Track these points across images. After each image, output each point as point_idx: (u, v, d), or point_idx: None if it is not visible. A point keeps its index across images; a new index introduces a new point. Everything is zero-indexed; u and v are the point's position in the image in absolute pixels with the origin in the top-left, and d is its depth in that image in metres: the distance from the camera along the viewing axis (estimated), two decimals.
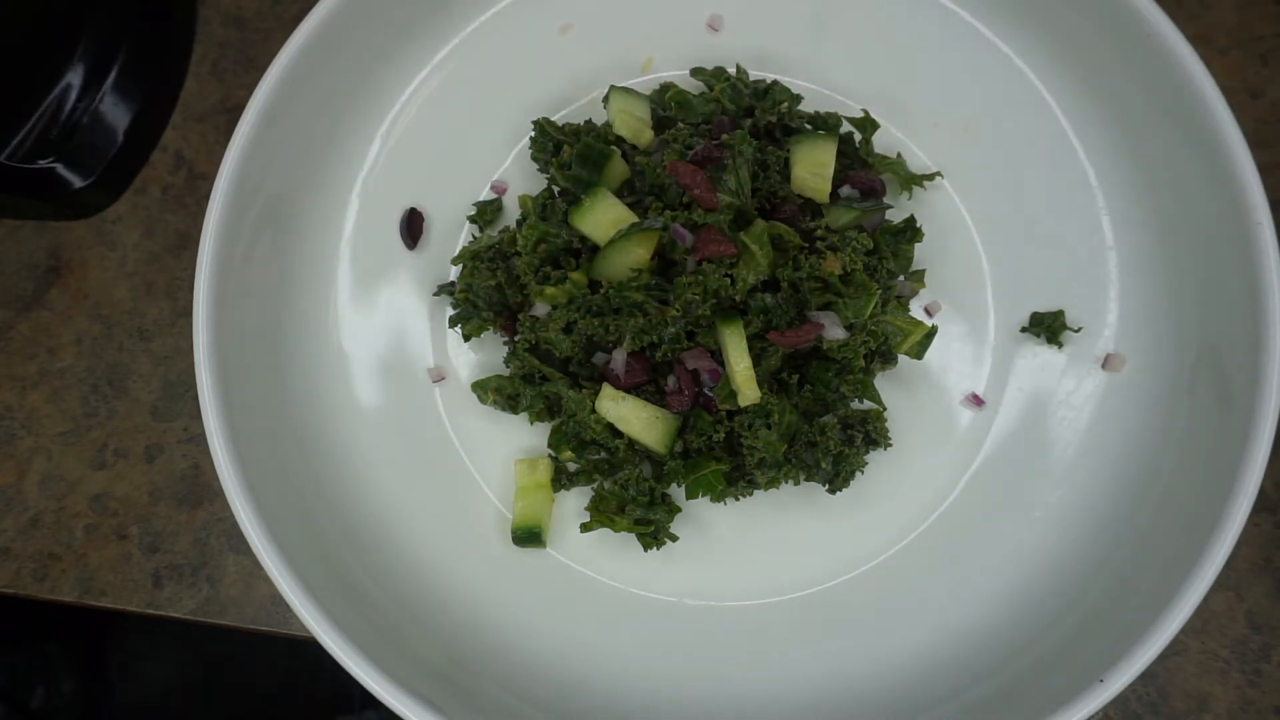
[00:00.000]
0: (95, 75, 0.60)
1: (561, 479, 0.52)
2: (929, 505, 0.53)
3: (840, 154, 0.52)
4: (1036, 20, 0.54)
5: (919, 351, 0.51)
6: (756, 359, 0.48)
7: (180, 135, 0.62)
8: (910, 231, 0.52)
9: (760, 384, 0.48)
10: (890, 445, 0.51)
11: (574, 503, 0.53)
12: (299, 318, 0.53)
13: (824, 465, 0.50)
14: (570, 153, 0.51)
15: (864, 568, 0.52)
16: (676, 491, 0.53)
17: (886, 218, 0.53)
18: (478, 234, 0.56)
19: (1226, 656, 0.54)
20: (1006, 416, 0.54)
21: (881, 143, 0.55)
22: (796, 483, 0.51)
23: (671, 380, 0.49)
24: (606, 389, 0.48)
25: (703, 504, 0.53)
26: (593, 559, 0.53)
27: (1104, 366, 0.53)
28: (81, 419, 0.59)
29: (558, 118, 0.56)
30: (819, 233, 0.49)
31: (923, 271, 0.54)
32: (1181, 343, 0.51)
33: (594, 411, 0.49)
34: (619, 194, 0.51)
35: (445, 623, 0.50)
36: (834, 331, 0.48)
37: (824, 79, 0.57)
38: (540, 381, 0.52)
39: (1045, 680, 0.46)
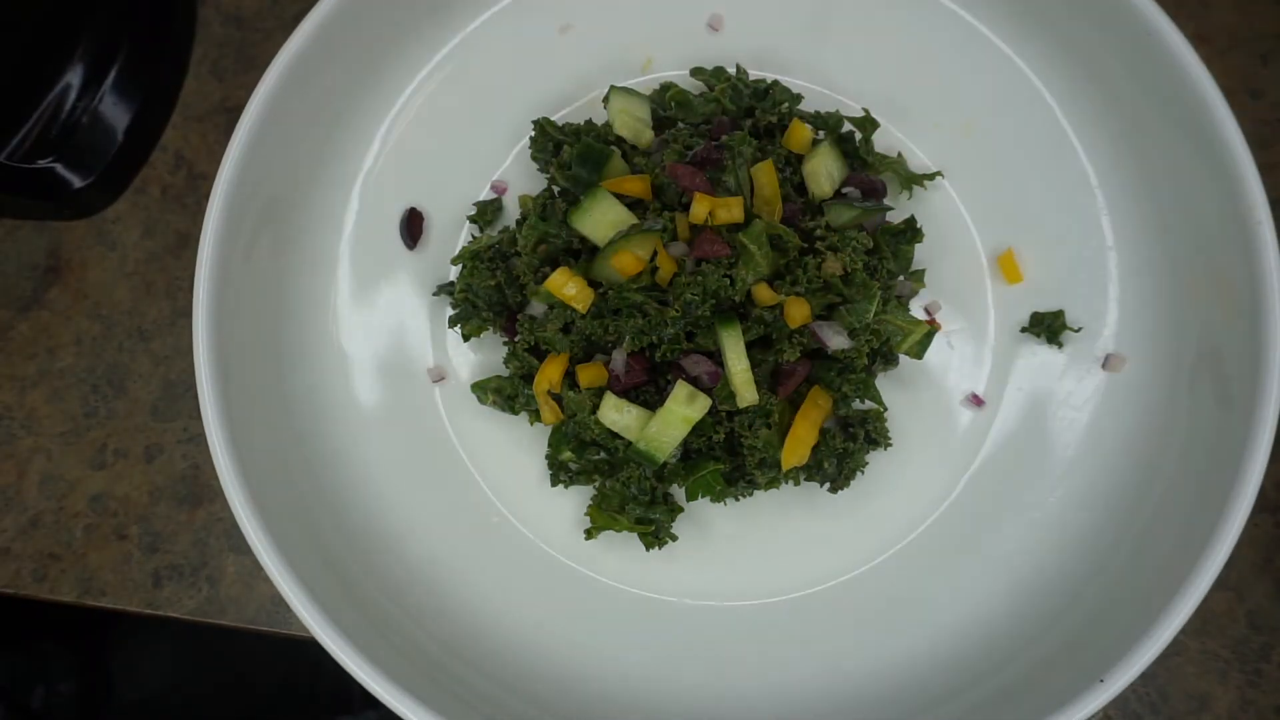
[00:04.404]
0: (95, 75, 0.60)
1: (561, 477, 0.52)
2: (929, 505, 0.53)
3: (841, 154, 0.52)
4: (1037, 20, 0.54)
5: (919, 351, 0.51)
6: (756, 360, 0.48)
7: (180, 135, 0.62)
8: (910, 231, 0.52)
9: (759, 385, 0.48)
10: (890, 445, 0.51)
11: (575, 502, 0.53)
12: (299, 318, 0.53)
13: (825, 465, 0.50)
14: (570, 153, 0.51)
15: (864, 568, 0.52)
16: (678, 491, 0.53)
17: (887, 218, 0.53)
18: (478, 234, 0.56)
19: (1226, 656, 0.54)
20: (1006, 416, 0.54)
21: (881, 142, 0.55)
22: (797, 483, 0.51)
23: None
24: (609, 398, 0.48)
25: (703, 504, 0.53)
26: (594, 559, 0.53)
27: (1104, 366, 0.53)
28: (81, 419, 0.59)
29: (558, 118, 0.56)
30: (819, 232, 0.49)
31: (923, 271, 0.54)
32: (1181, 343, 0.51)
33: (594, 412, 0.49)
34: (618, 194, 0.51)
35: (445, 623, 0.50)
36: (837, 340, 0.48)
37: (824, 79, 0.57)
38: None
39: (1045, 680, 0.46)
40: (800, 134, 0.52)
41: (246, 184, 0.49)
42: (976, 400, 0.54)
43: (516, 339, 0.52)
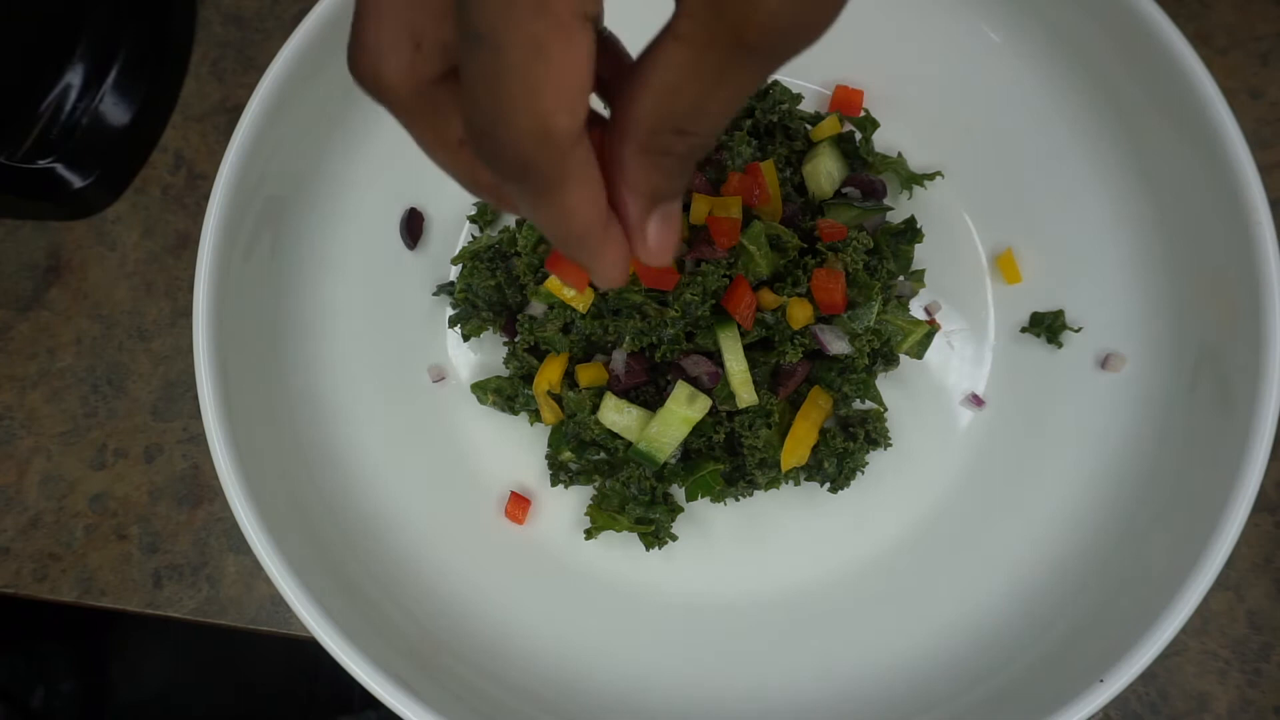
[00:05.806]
0: (95, 75, 0.59)
1: (561, 477, 0.53)
2: (928, 505, 0.53)
3: (841, 154, 0.52)
4: (1037, 20, 0.54)
5: (919, 351, 0.51)
6: (757, 361, 0.48)
7: (180, 135, 0.62)
8: (910, 232, 0.52)
9: (759, 385, 0.48)
10: (890, 445, 0.51)
11: (575, 502, 0.53)
12: (299, 318, 0.53)
13: (825, 465, 0.50)
14: None
15: (863, 568, 0.52)
16: (678, 491, 0.53)
17: (887, 218, 0.53)
18: (478, 234, 0.56)
19: (1226, 656, 0.54)
20: (1006, 416, 0.54)
21: (881, 142, 0.55)
22: (797, 483, 0.51)
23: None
24: (609, 398, 0.48)
25: (703, 504, 0.53)
26: (594, 559, 0.53)
27: (1104, 366, 0.53)
28: (81, 419, 0.59)
29: None
30: (819, 232, 0.49)
31: (923, 271, 0.54)
32: (1181, 343, 0.51)
33: (594, 412, 0.49)
34: None
35: (444, 622, 0.50)
36: (837, 345, 0.48)
37: (824, 79, 0.57)
38: None
39: (1045, 680, 0.46)
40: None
41: (246, 184, 0.49)
42: (976, 400, 0.54)
43: (516, 339, 0.52)
